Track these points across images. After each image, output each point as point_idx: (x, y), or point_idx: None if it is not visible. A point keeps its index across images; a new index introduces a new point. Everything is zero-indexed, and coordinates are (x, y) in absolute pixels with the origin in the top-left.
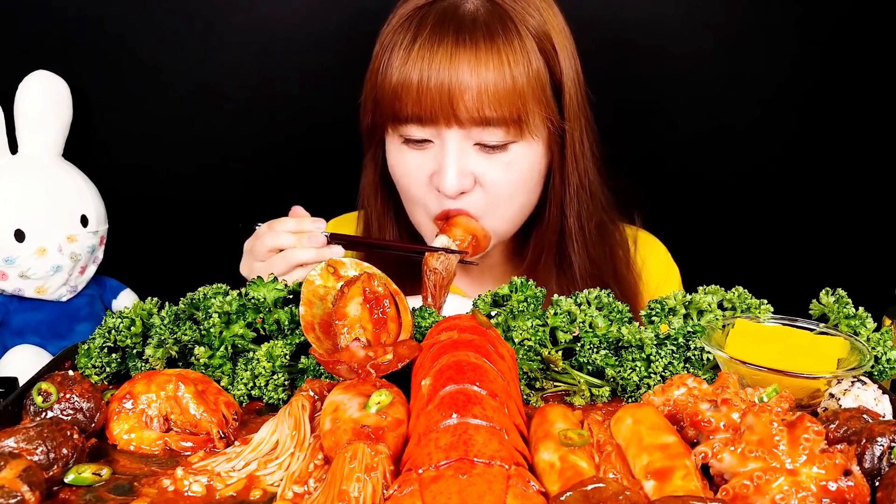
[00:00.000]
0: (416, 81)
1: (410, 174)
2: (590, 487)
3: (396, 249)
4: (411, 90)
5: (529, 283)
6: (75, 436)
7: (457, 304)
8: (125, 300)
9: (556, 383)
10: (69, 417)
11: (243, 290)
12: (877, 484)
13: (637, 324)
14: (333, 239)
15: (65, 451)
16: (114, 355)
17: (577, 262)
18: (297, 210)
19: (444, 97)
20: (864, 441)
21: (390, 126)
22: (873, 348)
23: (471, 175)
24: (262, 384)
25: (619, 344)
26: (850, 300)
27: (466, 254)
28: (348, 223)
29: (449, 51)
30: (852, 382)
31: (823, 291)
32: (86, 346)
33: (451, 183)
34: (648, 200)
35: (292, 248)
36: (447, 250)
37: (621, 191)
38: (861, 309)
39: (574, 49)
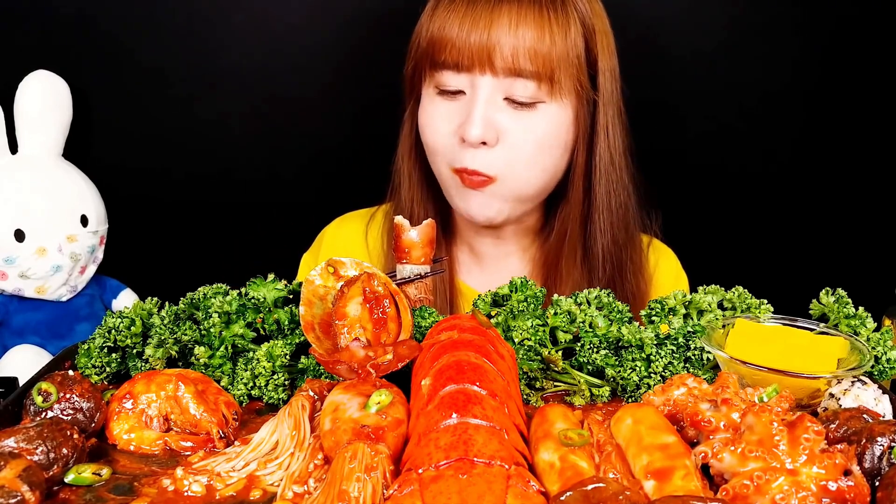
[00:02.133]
0: (456, 32)
1: (437, 123)
2: (590, 487)
3: None
4: (451, 39)
5: (529, 282)
6: (75, 436)
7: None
8: (125, 300)
9: (556, 383)
10: (69, 417)
11: (243, 289)
12: (877, 484)
13: (637, 324)
14: None
15: (65, 450)
16: (114, 355)
17: (601, 240)
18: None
19: (482, 49)
20: (864, 441)
21: (428, 72)
22: (873, 348)
23: (495, 129)
24: (262, 384)
25: (619, 344)
26: (850, 300)
27: (440, 270)
28: (352, 219)
29: (491, 4)
30: (852, 382)
31: (823, 291)
32: (86, 346)
33: (476, 129)
34: (663, 210)
35: None
36: (419, 277)
37: (641, 195)
38: (861, 309)
39: (613, 47)
